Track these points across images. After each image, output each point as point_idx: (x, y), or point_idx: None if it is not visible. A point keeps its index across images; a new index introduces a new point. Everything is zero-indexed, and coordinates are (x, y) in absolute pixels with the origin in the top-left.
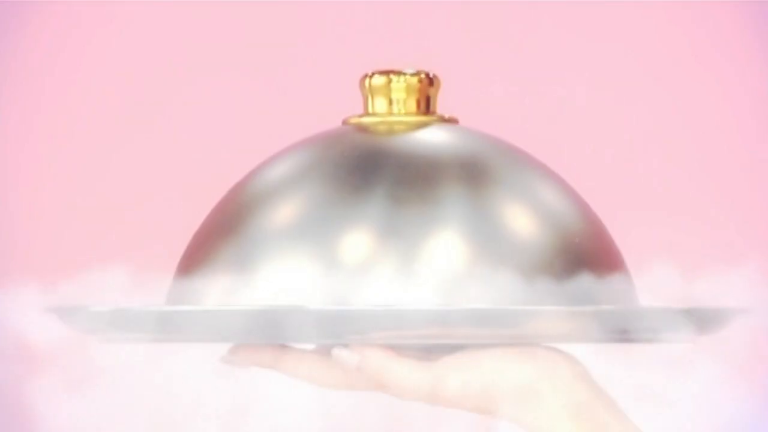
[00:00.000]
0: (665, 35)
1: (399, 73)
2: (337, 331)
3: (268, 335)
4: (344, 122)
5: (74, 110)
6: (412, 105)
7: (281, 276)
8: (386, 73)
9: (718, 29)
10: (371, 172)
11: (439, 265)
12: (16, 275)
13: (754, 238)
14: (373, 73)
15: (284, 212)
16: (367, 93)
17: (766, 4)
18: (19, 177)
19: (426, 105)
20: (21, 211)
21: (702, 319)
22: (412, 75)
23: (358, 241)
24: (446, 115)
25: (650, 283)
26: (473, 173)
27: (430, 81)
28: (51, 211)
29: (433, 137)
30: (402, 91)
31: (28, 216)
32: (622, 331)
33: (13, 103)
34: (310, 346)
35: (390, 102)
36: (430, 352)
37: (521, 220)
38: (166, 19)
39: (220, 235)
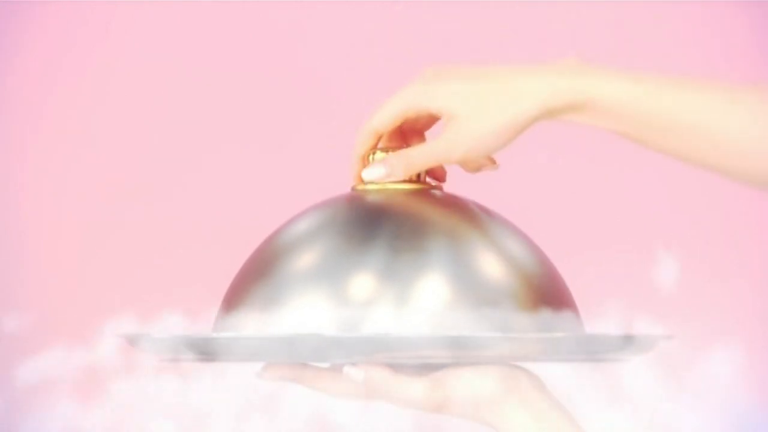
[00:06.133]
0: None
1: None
2: (346, 352)
3: (293, 356)
4: (353, 189)
5: (125, 171)
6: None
7: (303, 309)
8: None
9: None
10: (374, 228)
11: (427, 301)
12: (108, 311)
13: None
14: (375, 151)
15: (305, 259)
16: None
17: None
18: (105, 227)
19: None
20: (101, 261)
21: (636, 344)
22: None
23: (363, 282)
24: (433, 183)
25: (593, 314)
26: (454, 229)
27: None
28: (128, 259)
29: (422, 201)
30: None
31: (111, 264)
32: (573, 352)
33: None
34: (325, 365)
35: None
36: (421, 369)
37: (492, 266)
38: (212, 99)
39: (254, 277)
